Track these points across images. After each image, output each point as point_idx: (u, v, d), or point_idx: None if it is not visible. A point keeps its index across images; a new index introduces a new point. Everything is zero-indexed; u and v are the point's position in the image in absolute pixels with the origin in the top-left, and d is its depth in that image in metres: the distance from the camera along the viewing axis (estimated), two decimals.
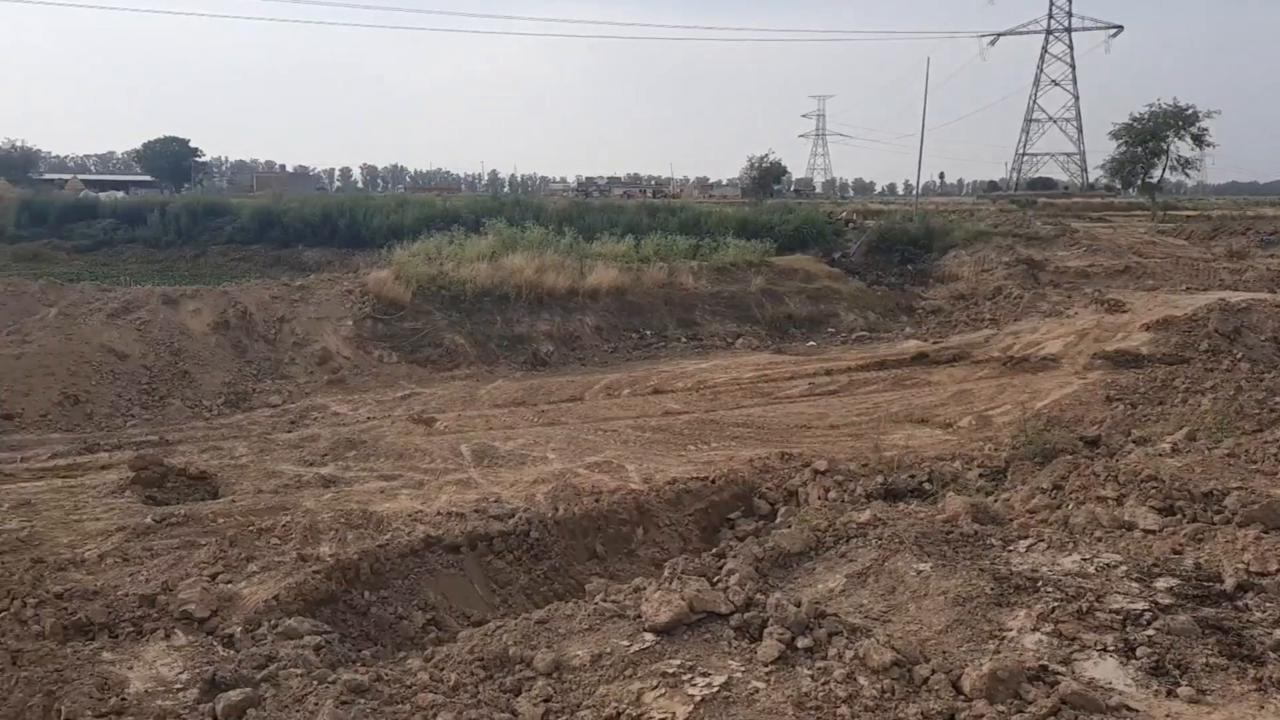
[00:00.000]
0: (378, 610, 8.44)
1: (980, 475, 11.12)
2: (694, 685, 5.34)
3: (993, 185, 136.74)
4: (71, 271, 30.84)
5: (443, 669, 5.89)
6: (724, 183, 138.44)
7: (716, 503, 11.28)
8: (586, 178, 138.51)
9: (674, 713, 5.10)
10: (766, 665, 5.50)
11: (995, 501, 9.22)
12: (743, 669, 5.51)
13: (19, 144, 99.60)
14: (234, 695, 5.16)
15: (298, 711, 5.12)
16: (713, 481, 11.57)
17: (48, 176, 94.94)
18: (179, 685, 6.54)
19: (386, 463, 13.22)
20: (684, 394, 18.26)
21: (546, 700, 5.40)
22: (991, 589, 6.49)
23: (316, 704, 5.16)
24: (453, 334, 21.44)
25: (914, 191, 61.33)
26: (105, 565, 9.13)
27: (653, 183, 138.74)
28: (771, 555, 7.43)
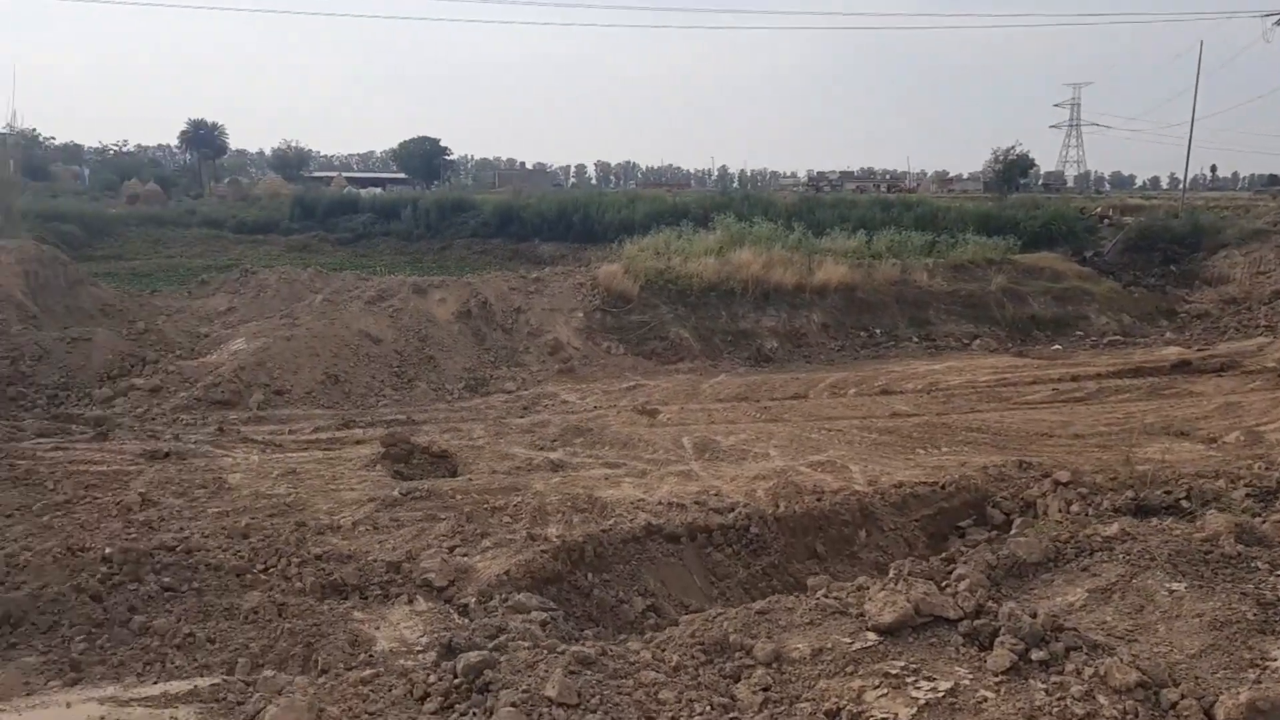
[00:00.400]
0: (600, 593, 8.68)
1: (1247, 495, 10.05)
2: (918, 688, 5.19)
3: (1273, 179, 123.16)
4: (335, 261, 33.69)
5: (664, 650, 6.01)
6: (965, 176, 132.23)
7: (946, 510, 10.82)
8: (818, 172, 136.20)
9: (896, 714, 4.98)
10: (996, 675, 5.27)
11: (1264, 523, 8.33)
12: (970, 677, 5.31)
13: (294, 145, 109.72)
14: (472, 656, 5.55)
15: (530, 677, 5.38)
16: (942, 487, 11.11)
17: (317, 174, 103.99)
18: (419, 648, 7.00)
19: (611, 451, 13.57)
20: (914, 395, 17.64)
21: (765, 689, 5.40)
22: (1255, 614, 5.92)
23: (546, 671, 5.40)
24: (678, 328, 21.72)
25: (1180, 186, 56.30)
26: (358, 532, 9.91)
27: (887, 177, 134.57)
28: (1006, 563, 7.08)
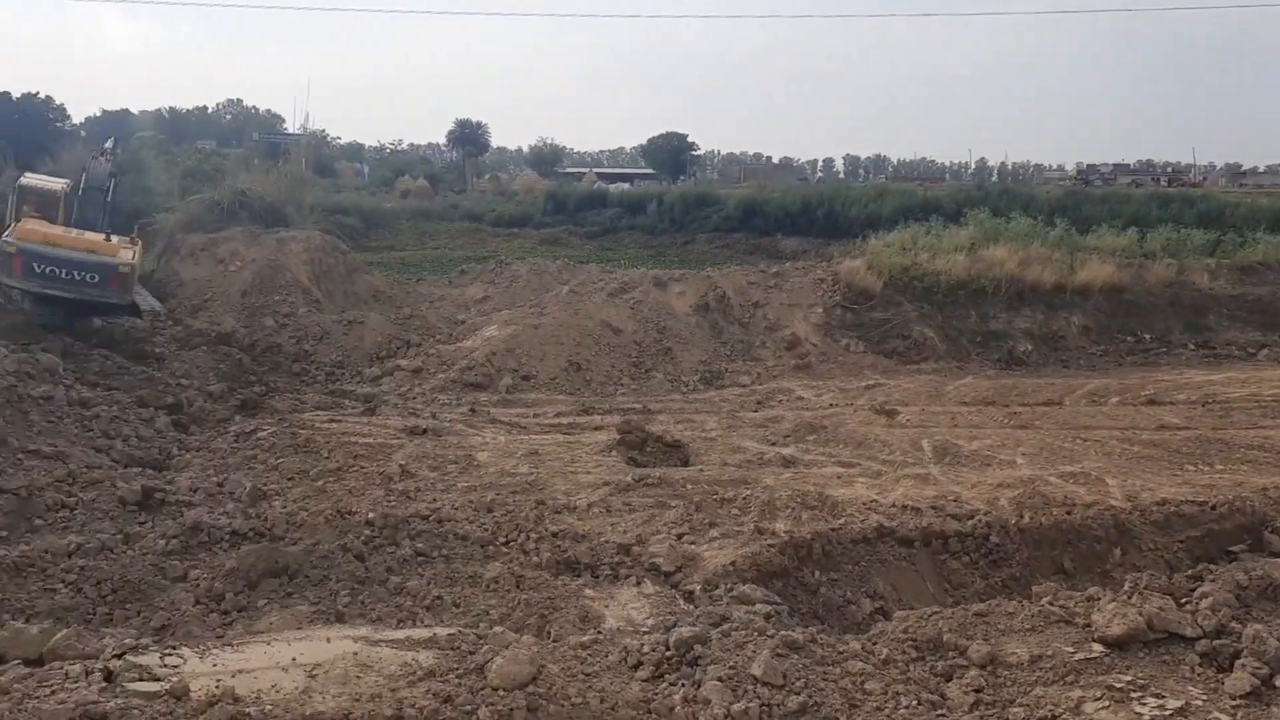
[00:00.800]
0: (826, 591, 8.56)
1: None
2: (1143, 704, 4.99)
3: None
4: (582, 254, 34.92)
5: (875, 643, 6.02)
6: (1261, 169, 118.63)
7: (1216, 533, 9.85)
8: (1087, 164, 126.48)
9: None
10: (1234, 699, 4.99)
11: None
12: (1204, 698, 5.03)
13: (549, 142, 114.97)
14: (684, 631, 5.83)
15: (738, 655, 5.57)
16: (1213, 508, 10.11)
17: (569, 170, 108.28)
18: (645, 629, 7.16)
19: (845, 449, 13.30)
20: (1186, 407, 16.11)
21: (978, 690, 5.33)
22: None
23: (754, 651, 5.57)
24: (922, 326, 20.95)
25: None
26: (592, 513, 10.30)
27: (1168, 170, 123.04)
28: (1259, 585, 6.52)
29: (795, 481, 11.55)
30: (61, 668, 5.25)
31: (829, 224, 39.12)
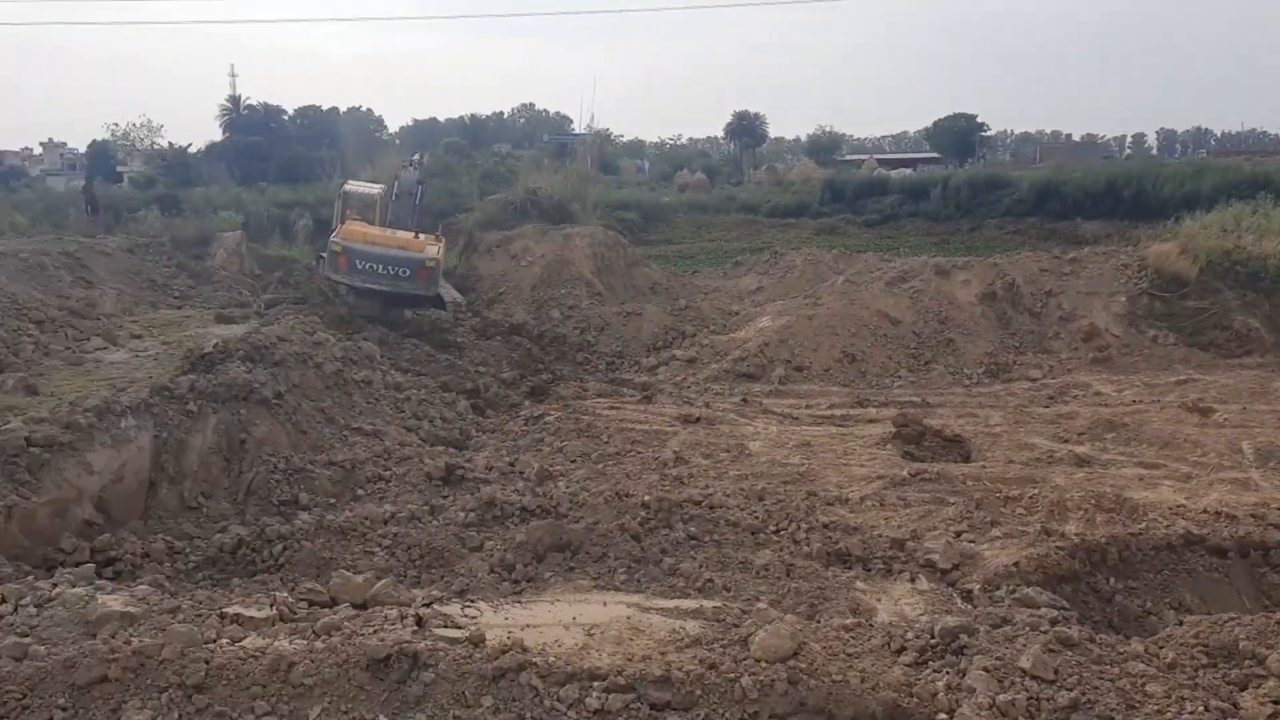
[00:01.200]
0: (1123, 600, 7.95)
1: None
2: None
3: None
4: (859, 243, 34.15)
5: (1162, 647, 5.73)
6: None
7: None
8: None
9: None
10: None
11: None
12: None
13: (828, 129, 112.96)
14: (950, 621, 5.79)
15: (1007, 647, 5.49)
16: None
17: (848, 157, 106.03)
18: (918, 625, 6.98)
19: (1149, 450, 12.21)
20: None
21: (1276, 702, 4.97)
22: None
23: (1024, 645, 5.46)
24: (1245, 316, 18.77)
25: None
26: (865, 506, 10.13)
27: None
28: None
29: (1089, 482, 10.77)
30: (382, 611, 6.11)
31: (1136, 205, 35.82)
